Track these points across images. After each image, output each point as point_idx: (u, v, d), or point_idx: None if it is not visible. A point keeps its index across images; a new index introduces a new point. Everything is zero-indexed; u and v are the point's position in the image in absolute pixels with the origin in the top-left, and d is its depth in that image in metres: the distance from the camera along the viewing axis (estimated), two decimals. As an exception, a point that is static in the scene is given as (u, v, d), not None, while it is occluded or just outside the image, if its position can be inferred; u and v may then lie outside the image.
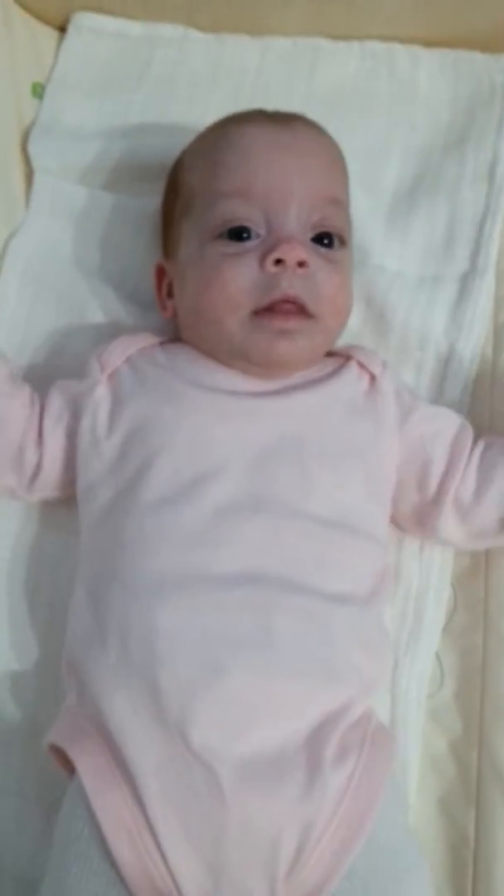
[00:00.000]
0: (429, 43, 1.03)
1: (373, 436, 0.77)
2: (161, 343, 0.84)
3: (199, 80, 1.03)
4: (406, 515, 0.81)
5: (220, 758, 0.64)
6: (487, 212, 0.95)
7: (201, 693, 0.64)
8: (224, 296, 0.75)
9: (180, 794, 0.64)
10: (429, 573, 0.84)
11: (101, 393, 0.79)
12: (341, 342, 0.87)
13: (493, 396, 0.89)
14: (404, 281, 0.92)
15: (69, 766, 0.69)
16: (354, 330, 0.91)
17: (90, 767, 0.66)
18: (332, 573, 0.70)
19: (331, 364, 0.81)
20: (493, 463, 0.78)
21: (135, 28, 1.06)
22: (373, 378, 0.80)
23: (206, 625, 0.66)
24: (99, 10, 1.05)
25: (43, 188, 0.98)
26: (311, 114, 0.84)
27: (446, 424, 0.80)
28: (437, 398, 0.89)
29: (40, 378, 0.90)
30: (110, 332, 0.90)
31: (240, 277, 0.74)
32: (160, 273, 0.87)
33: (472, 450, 0.79)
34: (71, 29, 1.06)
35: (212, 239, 0.77)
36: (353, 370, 0.80)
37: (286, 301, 0.74)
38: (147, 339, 0.83)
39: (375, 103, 1.02)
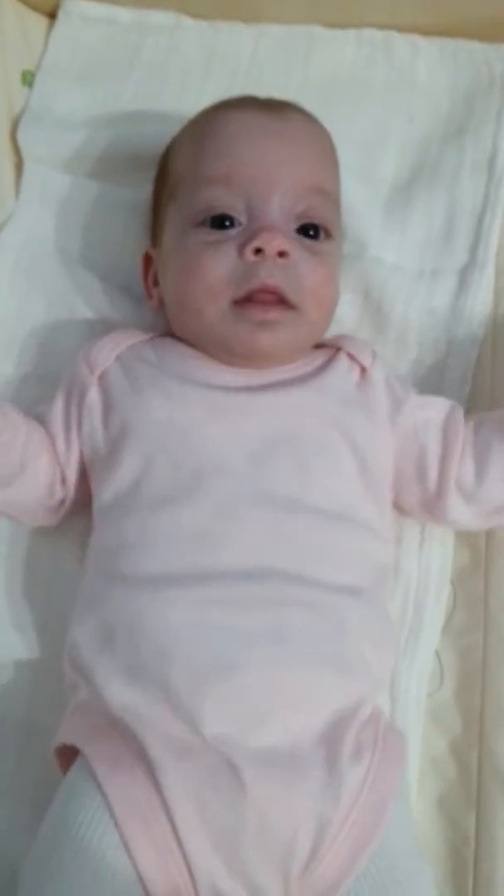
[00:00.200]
0: (427, 31, 1.02)
1: (366, 428, 0.76)
2: (150, 338, 0.82)
3: (192, 68, 1.02)
4: (414, 506, 0.80)
5: (237, 750, 0.63)
6: (487, 203, 0.94)
7: (215, 688, 0.64)
8: (203, 285, 0.74)
9: (199, 782, 0.63)
10: (428, 571, 0.83)
11: (93, 397, 0.78)
12: (336, 333, 0.85)
13: (493, 390, 0.89)
14: (402, 274, 0.91)
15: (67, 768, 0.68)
16: (352, 323, 0.90)
17: (100, 753, 0.65)
18: (337, 565, 0.70)
19: (320, 356, 0.80)
20: (488, 443, 0.77)
21: (125, 14, 1.04)
22: (363, 369, 0.79)
23: (217, 621, 0.66)
24: (89, -5, 1.04)
25: (33, 178, 0.97)
26: (307, 103, 0.83)
27: (435, 412, 0.79)
28: (437, 392, 0.87)
29: (31, 370, 0.90)
30: (101, 324, 0.90)
31: (219, 266, 0.74)
32: (147, 261, 0.86)
33: (464, 433, 0.78)
34: (61, 15, 1.05)
35: (194, 226, 0.76)
36: (343, 362, 0.79)
37: (265, 291, 0.73)
38: (135, 336, 0.82)
39: (372, 92, 1.01)
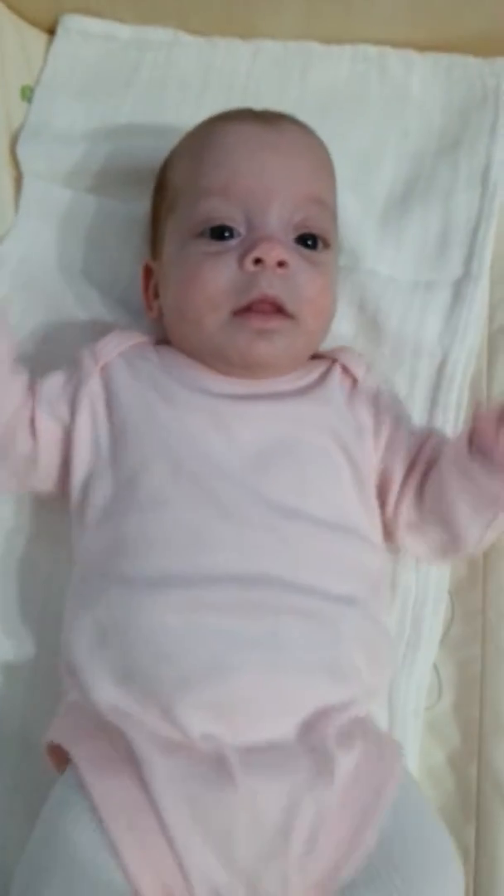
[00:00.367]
0: (421, 47, 1.03)
1: (356, 440, 0.77)
2: (152, 342, 0.83)
3: (190, 84, 1.03)
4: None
5: (226, 747, 0.63)
6: (481, 216, 0.95)
7: (206, 691, 0.64)
8: (203, 296, 0.74)
9: (188, 779, 0.62)
10: (426, 583, 0.83)
11: (95, 386, 0.77)
12: (331, 346, 0.86)
13: (489, 402, 0.89)
14: (397, 286, 0.92)
15: (64, 767, 0.67)
16: (348, 336, 0.91)
17: (87, 755, 0.65)
18: (333, 574, 0.70)
19: (318, 368, 0.81)
20: (437, 488, 0.75)
21: (124, 31, 1.05)
22: (354, 382, 0.80)
23: (212, 624, 0.66)
24: (88, 12, 1.05)
25: (32, 192, 0.98)
26: (303, 118, 0.84)
27: (405, 440, 0.79)
28: (432, 405, 0.88)
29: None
30: (100, 336, 0.89)
31: (219, 277, 0.74)
32: (147, 273, 0.86)
33: (422, 468, 0.77)
34: (60, 31, 1.05)
35: (193, 237, 0.76)
36: (336, 374, 0.80)
37: (265, 301, 0.73)
38: (139, 337, 0.83)
39: (368, 107, 1.02)
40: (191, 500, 0.70)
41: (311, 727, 0.65)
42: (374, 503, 0.77)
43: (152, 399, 0.75)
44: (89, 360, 0.79)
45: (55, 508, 0.83)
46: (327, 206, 0.80)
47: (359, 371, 0.80)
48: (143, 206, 0.91)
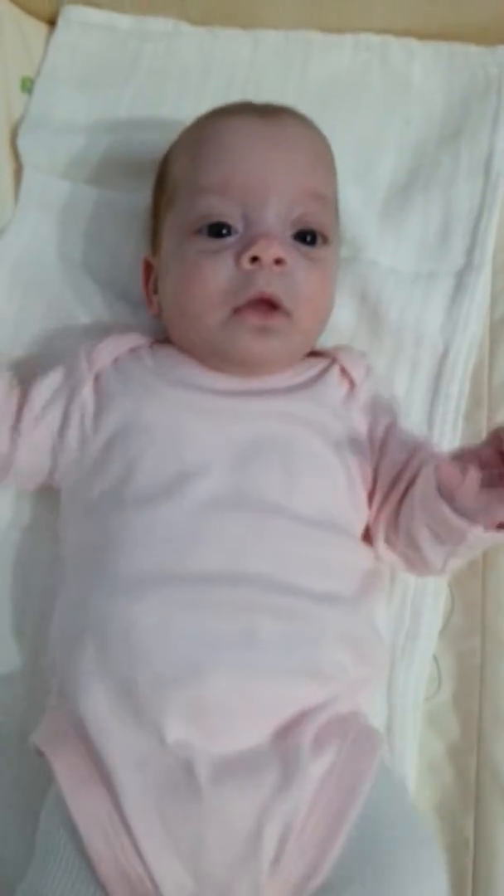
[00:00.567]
0: (423, 36, 1.02)
1: (349, 441, 0.76)
2: (149, 343, 0.83)
3: (191, 74, 1.02)
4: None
5: (196, 755, 0.63)
6: (483, 206, 0.94)
7: (179, 692, 0.64)
8: (202, 294, 0.74)
9: (159, 791, 0.63)
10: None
11: (88, 393, 0.77)
12: (333, 340, 0.85)
13: (490, 393, 0.88)
14: (399, 277, 0.91)
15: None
16: (349, 327, 0.90)
17: (66, 767, 0.65)
18: (316, 572, 0.69)
19: (316, 366, 0.80)
20: (409, 510, 0.73)
21: (124, 21, 1.05)
22: (352, 385, 0.79)
23: (187, 623, 0.65)
24: (88, 3, 1.04)
25: (32, 184, 0.97)
26: (304, 107, 0.83)
27: (396, 451, 0.77)
28: (433, 396, 0.87)
29: (30, 377, 0.89)
30: (100, 332, 0.89)
31: (217, 275, 0.73)
32: (147, 268, 0.86)
33: (405, 487, 0.75)
34: (60, 22, 1.05)
35: (191, 234, 0.76)
36: (335, 375, 0.79)
37: (262, 300, 0.73)
38: (136, 340, 0.82)
39: (369, 97, 1.01)
40: (171, 498, 0.70)
41: (285, 731, 0.65)
42: (365, 504, 0.77)
43: (141, 402, 0.75)
44: (84, 365, 0.79)
45: (54, 504, 0.82)
46: (327, 200, 0.79)
47: (357, 374, 0.80)
48: (143, 197, 0.91)
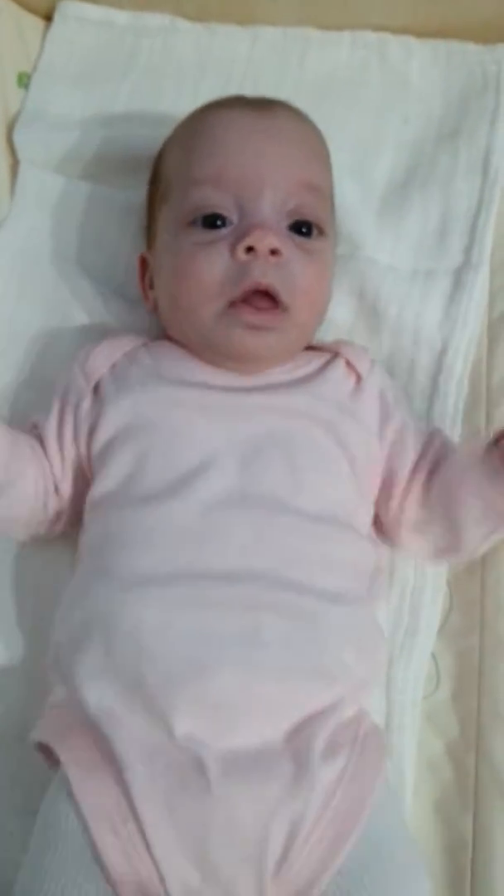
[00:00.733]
0: (421, 33, 1.02)
1: (357, 435, 0.76)
2: (145, 344, 0.82)
3: (187, 70, 1.02)
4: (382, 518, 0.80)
5: (206, 750, 0.63)
6: (481, 204, 0.94)
7: (186, 690, 0.63)
8: (198, 287, 0.74)
9: (168, 784, 0.62)
10: (424, 572, 0.82)
11: (88, 406, 0.77)
12: (332, 337, 0.85)
13: (489, 391, 0.88)
14: (397, 275, 0.91)
15: (56, 763, 0.67)
16: (347, 324, 0.90)
17: (74, 758, 0.65)
18: (321, 569, 0.69)
19: (317, 360, 0.80)
20: (446, 488, 0.75)
21: (121, 17, 1.05)
22: (359, 378, 0.79)
23: (193, 621, 0.65)
24: (85, -2, 1.04)
25: (28, 180, 0.97)
26: (301, 104, 0.83)
27: (413, 439, 0.78)
28: (432, 393, 0.87)
29: (26, 375, 0.90)
30: (97, 329, 0.89)
31: (212, 267, 0.73)
32: (143, 264, 0.85)
33: (429, 469, 0.77)
34: (56, 17, 1.05)
35: (185, 227, 0.76)
36: (340, 368, 0.79)
37: (258, 291, 0.72)
38: (130, 342, 0.81)
39: (367, 94, 1.01)
40: (175, 497, 0.69)
41: (296, 735, 0.64)
42: (371, 498, 0.77)
43: (142, 402, 0.75)
44: (81, 380, 0.78)
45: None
46: (322, 192, 0.79)
47: (363, 367, 0.79)
48: (140, 194, 0.90)
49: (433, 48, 1.02)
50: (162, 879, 0.61)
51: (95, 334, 0.87)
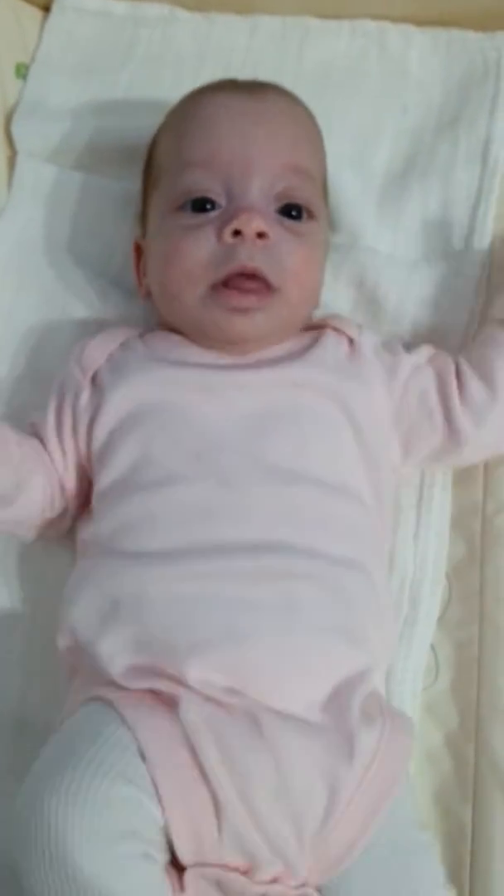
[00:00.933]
0: (420, 22, 1.01)
1: (361, 397, 0.76)
2: (141, 334, 0.82)
3: (186, 60, 1.02)
4: (434, 454, 0.80)
5: (255, 704, 0.63)
6: (481, 193, 0.93)
7: (223, 659, 0.64)
8: (182, 269, 0.74)
9: (221, 725, 0.62)
10: (424, 562, 0.82)
11: (87, 399, 0.77)
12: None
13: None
14: (397, 264, 0.91)
15: None
16: (347, 313, 0.89)
17: (120, 698, 0.63)
18: (338, 537, 0.70)
19: (308, 336, 0.80)
20: (485, 359, 0.77)
21: (119, 7, 1.04)
22: (351, 341, 0.79)
23: (224, 592, 0.66)
24: (83, -12, 1.03)
25: (26, 171, 0.97)
26: (301, 93, 0.83)
27: (421, 355, 0.80)
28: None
29: (24, 368, 0.90)
30: (94, 320, 0.89)
31: (198, 250, 0.73)
32: (138, 251, 0.85)
33: (456, 362, 0.79)
34: (55, 8, 1.05)
35: (174, 211, 0.76)
36: (330, 337, 0.79)
37: (244, 274, 0.72)
38: (126, 333, 0.82)
39: (366, 83, 1.00)
40: (193, 475, 0.70)
41: (334, 701, 0.65)
42: (381, 467, 0.77)
43: (142, 386, 0.75)
44: (77, 373, 0.78)
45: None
46: (311, 175, 0.79)
47: (352, 331, 0.80)
48: (137, 184, 0.90)
49: (433, 37, 1.01)
50: (217, 806, 0.60)
51: (93, 325, 0.87)
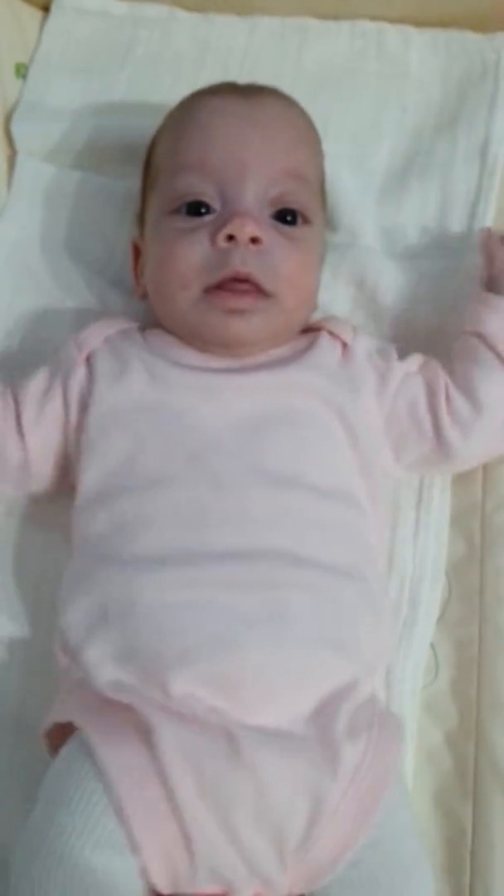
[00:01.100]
0: (419, 22, 1.02)
1: (353, 402, 0.76)
2: (140, 328, 0.82)
3: (186, 60, 1.02)
4: (422, 461, 0.80)
5: (233, 724, 0.62)
6: (480, 192, 0.94)
7: (209, 666, 0.63)
8: (175, 273, 0.74)
9: (196, 749, 0.61)
10: (423, 561, 0.82)
11: (81, 376, 0.77)
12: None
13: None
14: (396, 263, 0.91)
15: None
16: (346, 313, 0.90)
17: (94, 726, 0.63)
18: (333, 544, 0.69)
19: (304, 339, 0.80)
20: (467, 373, 0.78)
21: (119, 7, 1.05)
22: (345, 345, 0.79)
23: (215, 600, 0.65)
24: (82, -12, 1.04)
25: (26, 171, 0.97)
26: (300, 94, 0.83)
27: (411, 363, 0.80)
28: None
29: (23, 367, 0.89)
30: (94, 320, 0.88)
31: (192, 254, 0.73)
32: (136, 251, 0.85)
33: (443, 374, 0.79)
34: (54, 8, 1.05)
35: (169, 214, 0.76)
36: (325, 340, 0.79)
37: (238, 279, 0.72)
38: (125, 323, 0.82)
39: (365, 83, 1.01)
40: (186, 478, 0.70)
41: (320, 713, 0.64)
42: (375, 471, 0.76)
43: (139, 380, 0.75)
44: (73, 350, 0.78)
45: (45, 496, 0.82)
46: (307, 180, 0.79)
47: (346, 335, 0.80)
48: (137, 184, 0.90)
49: (432, 37, 1.02)
50: (188, 842, 0.60)
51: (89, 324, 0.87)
